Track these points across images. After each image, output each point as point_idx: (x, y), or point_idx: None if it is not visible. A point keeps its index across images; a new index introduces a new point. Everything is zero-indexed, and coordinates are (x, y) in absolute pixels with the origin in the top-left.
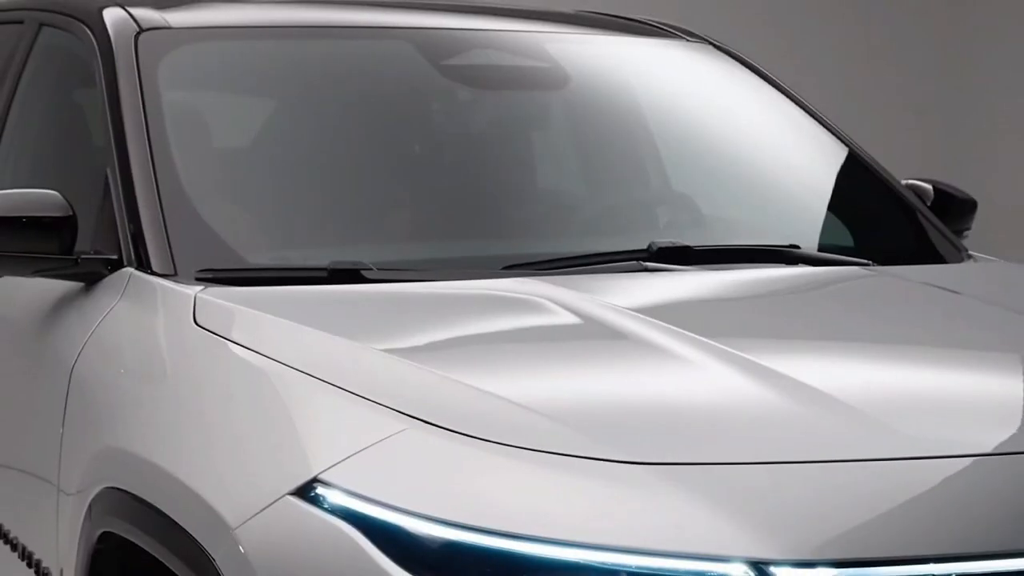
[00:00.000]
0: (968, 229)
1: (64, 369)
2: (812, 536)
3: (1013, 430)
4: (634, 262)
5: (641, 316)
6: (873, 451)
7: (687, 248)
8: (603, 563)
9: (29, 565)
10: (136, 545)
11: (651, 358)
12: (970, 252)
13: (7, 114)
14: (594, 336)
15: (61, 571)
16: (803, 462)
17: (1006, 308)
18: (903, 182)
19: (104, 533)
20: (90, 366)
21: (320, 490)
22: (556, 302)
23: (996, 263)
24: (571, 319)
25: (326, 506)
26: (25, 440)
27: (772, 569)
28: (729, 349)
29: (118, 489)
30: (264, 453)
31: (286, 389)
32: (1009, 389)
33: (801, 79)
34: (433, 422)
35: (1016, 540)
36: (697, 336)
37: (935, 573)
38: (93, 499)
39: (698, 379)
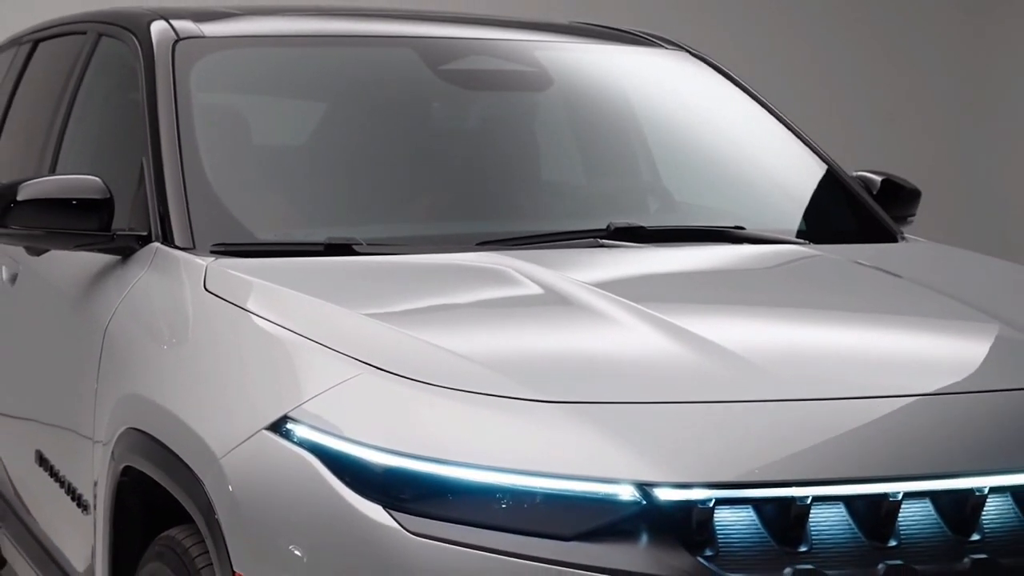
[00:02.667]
0: (913, 215)
1: (99, 330)
2: (690, 462)
3: (871, 378)
4: (591, 239)
5: (585, 284)
6: (750, 393)
7: (641, 228)
8: (513, 484)
9: (72, 498)
10: (151, 477)
11: (584, 319)
12: (905, 234)
13: (71, 110)
14: (540, 300)
15: (95, 502)
16: (688, 402)
17: (914, 281)
18: (853, 173)
19: (126, 467)
20: (120, 326)
21: (289, 425)
22: (516, 272)
23: (924, 244)
24: (525, 286)
25: (294, 439)
26: (68, 393)
27: (655, 490)
28: (652, 312)
29: (136, 429)
30: (247, 395)
31: (267, 341)
32: (880, 344)
33: (833, 92)
34: (383, 368)
35: (863, 469)
36: (628, 301)
37: (795, 495)
38: (117, 439)
39: (617, 336)
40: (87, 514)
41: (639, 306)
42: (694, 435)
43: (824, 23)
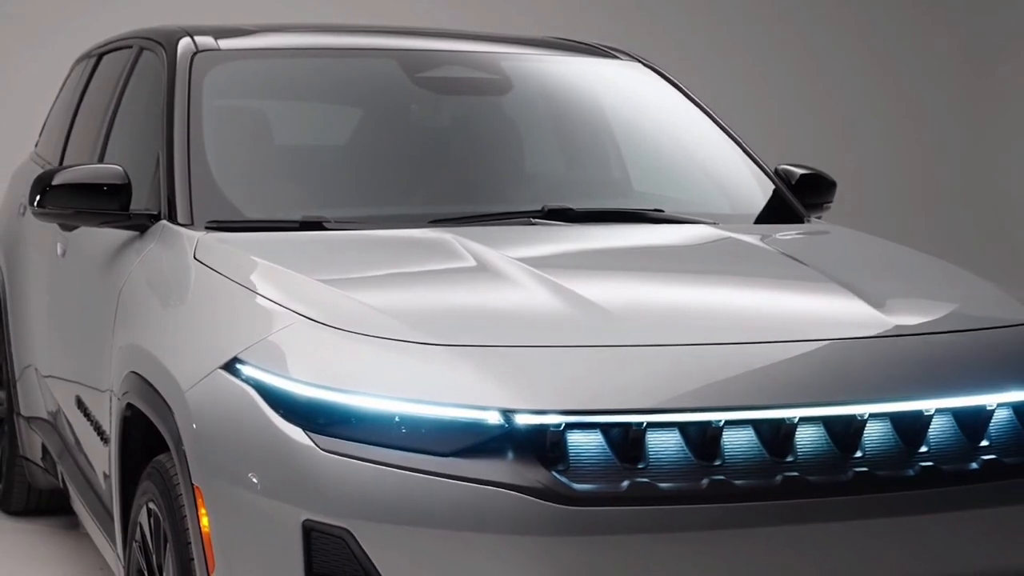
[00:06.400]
0: (830, 203)
1: (116, 294)
2: (546, 393)
3: (708, 328)
4: (524, 218)
5: (504, 255)
6: (604, 338)
7: (570, 210)
8: (402, 411)
9: (98, 433)
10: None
11: (490, 280)
12: (811, 218)
13: (116, 111)
14: (464, 267)
15: (110, 435)
16: (551, 345)
17: (787, 254)
18: (780, 166)
19: (128, 404)
20: (131, 289)
21: (237, 365)
22: (457, 244)
23: (823, 225)
24: (458, 255)
25: (241, 376)
26: (94, 346)
27: (516, 415)
28: (547, 276)
29: (135, 373)
30: (210, 341)
31: (231, 297)
32: (725, 301)
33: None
34: (313, 318)
35: (692, 401)
36: (532, 268)
37: (633, 421)
38: (122, 381)
39: (511, 294)
40: (106, 445)
41: (539, 271)
42: (552, 371)
43: (828, 38)
